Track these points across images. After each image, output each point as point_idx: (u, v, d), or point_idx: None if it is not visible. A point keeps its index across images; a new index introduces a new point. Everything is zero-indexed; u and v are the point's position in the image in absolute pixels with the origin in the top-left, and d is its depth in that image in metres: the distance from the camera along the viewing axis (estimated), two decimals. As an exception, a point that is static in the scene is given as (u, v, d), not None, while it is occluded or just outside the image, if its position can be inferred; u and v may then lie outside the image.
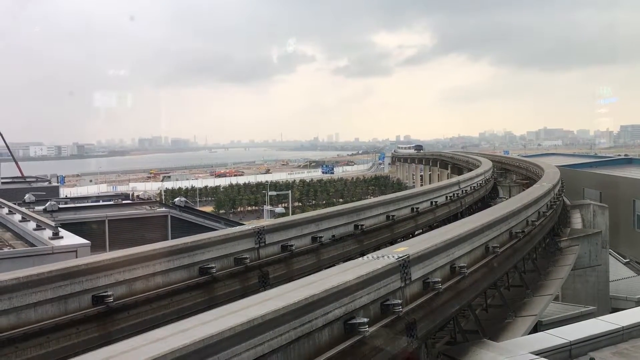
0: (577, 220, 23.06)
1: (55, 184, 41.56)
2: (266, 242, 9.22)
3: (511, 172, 37.97)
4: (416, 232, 14.81)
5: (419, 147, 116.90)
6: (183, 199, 20.15)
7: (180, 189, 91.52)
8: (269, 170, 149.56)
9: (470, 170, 34.12)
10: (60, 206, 18.11)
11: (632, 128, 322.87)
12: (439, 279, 7.73)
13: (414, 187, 71.38)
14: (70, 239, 11.28)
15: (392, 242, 12.80)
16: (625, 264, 29.05)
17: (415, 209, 15.48)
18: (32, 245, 11.53)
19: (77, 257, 9.64)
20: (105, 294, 6.23)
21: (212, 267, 7.82)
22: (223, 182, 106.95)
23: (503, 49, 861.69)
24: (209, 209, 67.65)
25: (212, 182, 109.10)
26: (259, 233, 9.09)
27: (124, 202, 22.50)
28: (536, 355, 7.46)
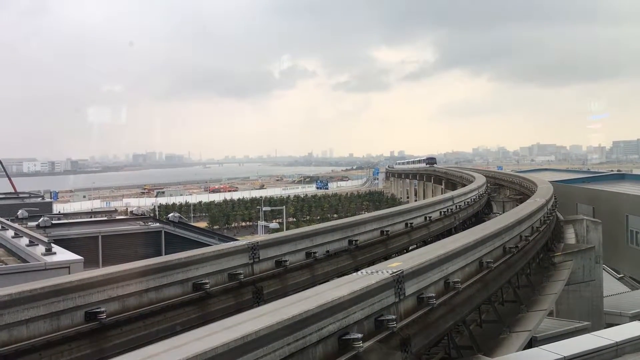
0: (570, 236, 23.10)
1: (49, 199, 41.47)
2: (260, 258, 9.21)
3: (505, 188, 38.11)
4: (410, 248, 14.81)
5: (431, 160, 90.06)
6: (177, 214, 20.04)
7: (174, 204, 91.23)
8: (263, 185, 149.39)
9: (464, 185, 34.23)
10: (54, 222, 17.99)
11: (624, 144, 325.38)
12: (433, 294, 7.74)
13: (408, 202, 71.45)
14: (63, 254, 11.19)
15: (387, 258, 12.79)
16: (619, 279, 29.14)
17: (409, 224, 15.51)
18: (25, 261, 11.44)
19: (70, 273, 9.58)
20: (98, 310, 6.20)
21: (206, 283, 7.80)
22: (217, 197, 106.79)
23: (503, 65, 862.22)
24: (203, 224, 67.44)
25: (206, 197, 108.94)
26: (253, 248, 9.09)
27: (117, 217, 22.39)
28: (531, 370, 7.46)
